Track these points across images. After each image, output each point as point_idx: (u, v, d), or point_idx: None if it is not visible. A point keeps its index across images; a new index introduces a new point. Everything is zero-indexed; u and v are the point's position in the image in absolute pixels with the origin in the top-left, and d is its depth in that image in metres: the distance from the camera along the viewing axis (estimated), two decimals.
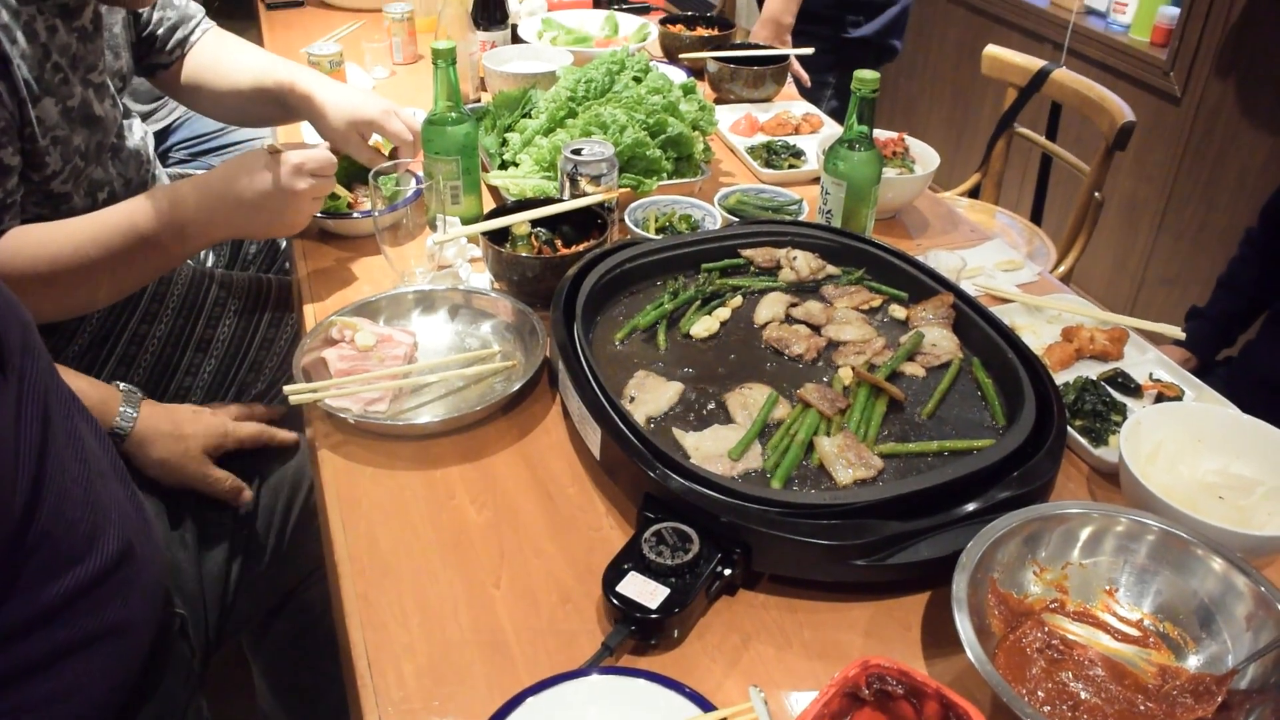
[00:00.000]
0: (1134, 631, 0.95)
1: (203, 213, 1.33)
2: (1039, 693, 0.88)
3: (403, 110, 1.63)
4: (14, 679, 0.83)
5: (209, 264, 1.85)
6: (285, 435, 1.42)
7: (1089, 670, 0.90)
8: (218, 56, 1.73)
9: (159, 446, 1.28)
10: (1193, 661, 0.92)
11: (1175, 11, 3.05)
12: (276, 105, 1.68)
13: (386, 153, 1.67)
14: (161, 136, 2.44)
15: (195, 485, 1.32)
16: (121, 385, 1.28)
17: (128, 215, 1.30)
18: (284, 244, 2.01)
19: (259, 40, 2.58)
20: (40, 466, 0.81)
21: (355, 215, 1.58)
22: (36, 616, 0.83)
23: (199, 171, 2.09)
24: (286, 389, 1.19)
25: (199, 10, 1.76)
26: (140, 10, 1.63)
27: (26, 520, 0.80)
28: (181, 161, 2.47)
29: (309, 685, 1.54)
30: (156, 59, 1.70)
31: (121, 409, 1.26)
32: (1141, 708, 0.87)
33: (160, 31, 1.68)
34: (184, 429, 1.31)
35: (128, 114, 1.59)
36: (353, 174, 1.66)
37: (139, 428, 1.26)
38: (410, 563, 1.02)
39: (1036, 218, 2.80)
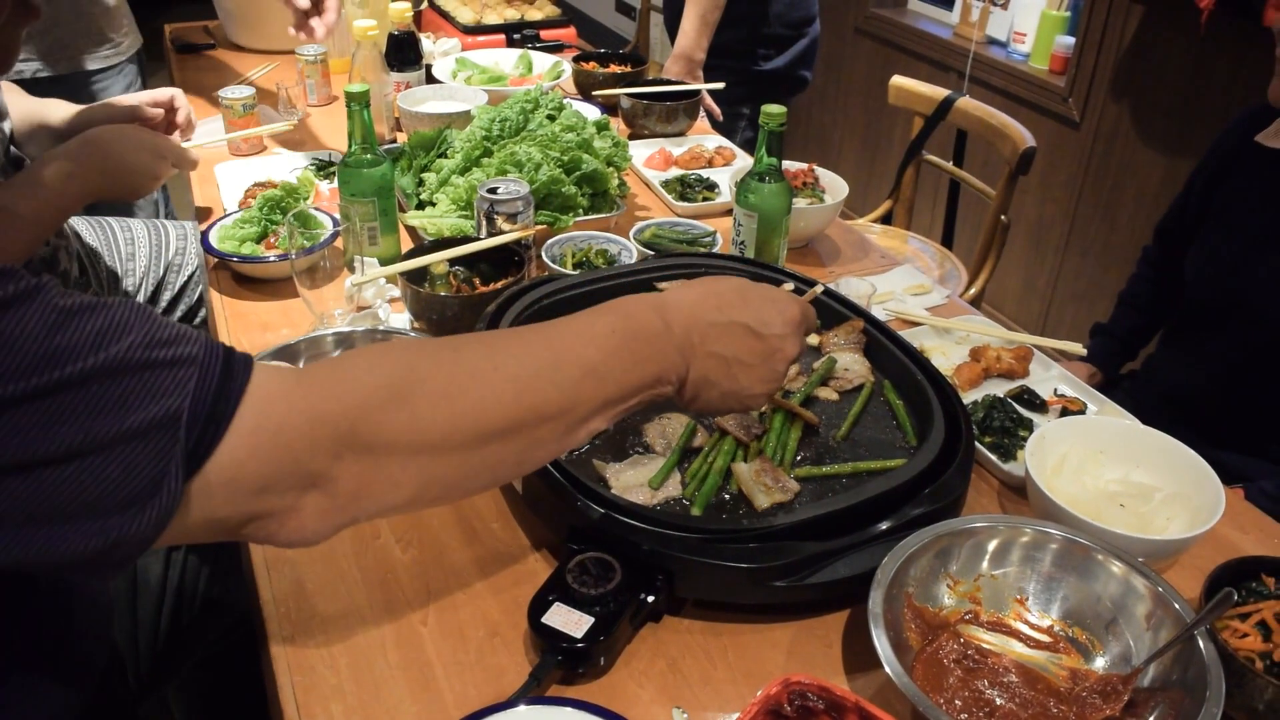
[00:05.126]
0: (1045, 638, 0.99)
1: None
2: (956, 701, 0.90)
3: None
4: None
5: None
6: None
7: (1004, 677, 0.93)
8: None
9: None
10: (1100, 663, 0.95)
11: (1071, 41, 3.18)
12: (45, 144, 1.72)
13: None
14: None
15: None
16: None
17: None
18: (201, 289, 1.99)
19: (168, 84, 2.55)
20: None
21: (271, 258, 1.58)
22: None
23: None
24: None
25: None
26: None
27: None
28: None
29: None
30: None
31: None
32: (1054, 710, 0.90)
33: None
34: None
35: None
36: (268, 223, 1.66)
37: None
38: (337, 604, 1.02)
39: (948, 241, 2.87)
